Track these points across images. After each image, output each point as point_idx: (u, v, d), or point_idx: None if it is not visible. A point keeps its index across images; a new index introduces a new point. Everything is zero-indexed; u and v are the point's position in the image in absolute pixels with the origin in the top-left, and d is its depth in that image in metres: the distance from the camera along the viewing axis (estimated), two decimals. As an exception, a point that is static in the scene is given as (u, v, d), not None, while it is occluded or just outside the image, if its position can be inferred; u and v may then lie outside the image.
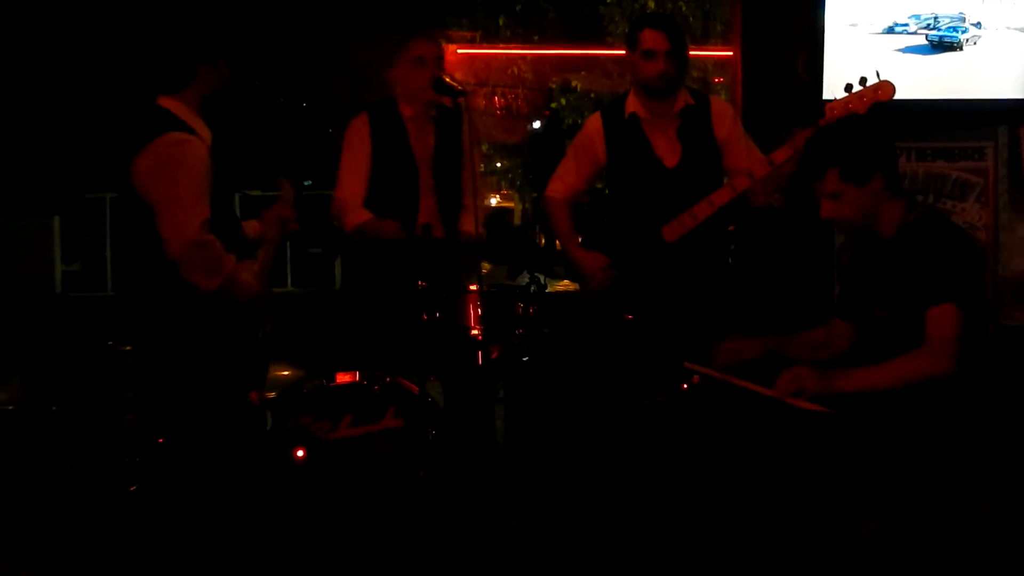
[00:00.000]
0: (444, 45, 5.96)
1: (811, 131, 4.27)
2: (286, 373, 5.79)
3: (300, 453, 4.08)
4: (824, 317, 4.12)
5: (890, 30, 5.76)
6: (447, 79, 4.52)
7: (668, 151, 4.86)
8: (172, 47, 3.94)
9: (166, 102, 3.88)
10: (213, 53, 3.95)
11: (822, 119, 4.34)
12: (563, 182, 5.11)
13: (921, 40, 5.78)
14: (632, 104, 4.91)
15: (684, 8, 14.23)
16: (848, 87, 4.29)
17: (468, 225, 5.08)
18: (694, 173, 4.80)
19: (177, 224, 3.73)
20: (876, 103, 4.27)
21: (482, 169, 19.38)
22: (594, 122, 5.06)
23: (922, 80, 5.74)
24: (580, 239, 5.04)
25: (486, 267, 6.27)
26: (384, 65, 5.06)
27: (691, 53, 5.08)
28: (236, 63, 4.04)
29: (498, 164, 20.77)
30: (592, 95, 16.31)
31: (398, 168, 4.99)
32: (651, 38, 4.73)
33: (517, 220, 23.63)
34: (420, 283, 4.46)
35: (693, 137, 4.86)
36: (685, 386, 4.17)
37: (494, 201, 26.27)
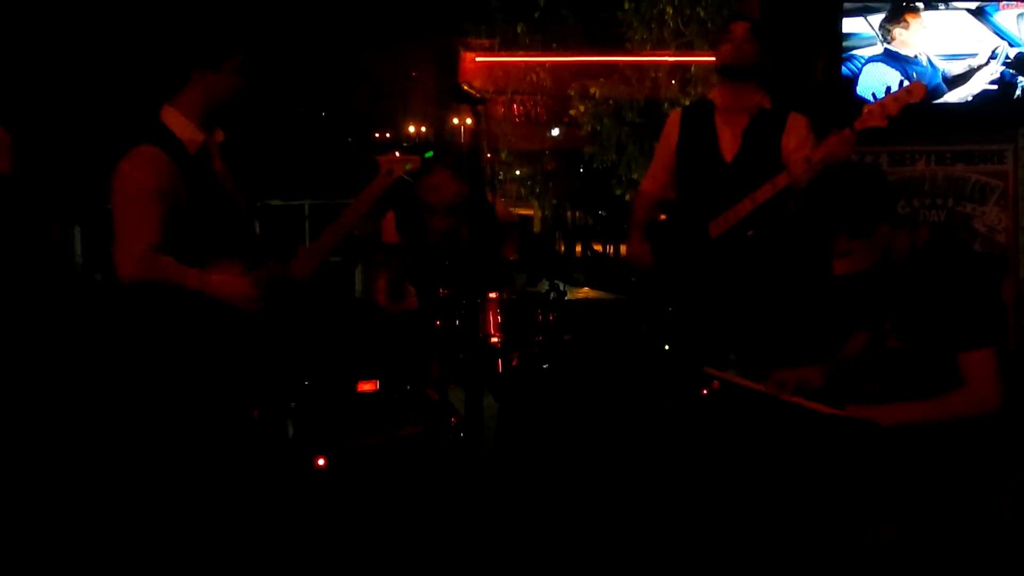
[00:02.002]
0: (462, 53, 5.93)
1: (847, 132, 4.48)
2: (307, 382, 5.80)
3: (321, 461, 4.09)
4: (837, 321, 4.15)
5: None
6: (465, 87, 4.52)
7: (730, 145, 5.02)
8: (166, 50, 3.87)
9: (165, 110, 3.82)
10: (212, 57, 3.83)
11: (857, 120, 4.48)
12: (650, 175, 5.42)
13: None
14: (713, 93, 5.16)
15: (703, 14, 14.22)
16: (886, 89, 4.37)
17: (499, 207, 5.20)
18: (751, 172, 4.88)
19: (121, 252, 3.67)
20: (908, 104, 4.35)
21: (501, 177, 19.49)
22: (676, 112, 5.36)
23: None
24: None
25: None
26: (403, 73, 5.09)
27: (709, 58, 5.24)
28: (255, 72, 3.98)
29: (517, 172, 20.77)
30: (611, 101, 16.29)
31: None
32: (734, 26, 5.04)
33: (537, 227, 23.66)
34: (442, 291, 4.47)
35: (757, 137, 4.98)
36: (705, 391, 4.18)
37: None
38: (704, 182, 5.05)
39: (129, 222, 3.68)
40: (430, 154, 4.51)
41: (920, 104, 4.43)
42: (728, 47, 4.97)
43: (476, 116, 4.38)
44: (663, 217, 5.42)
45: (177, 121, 3.81)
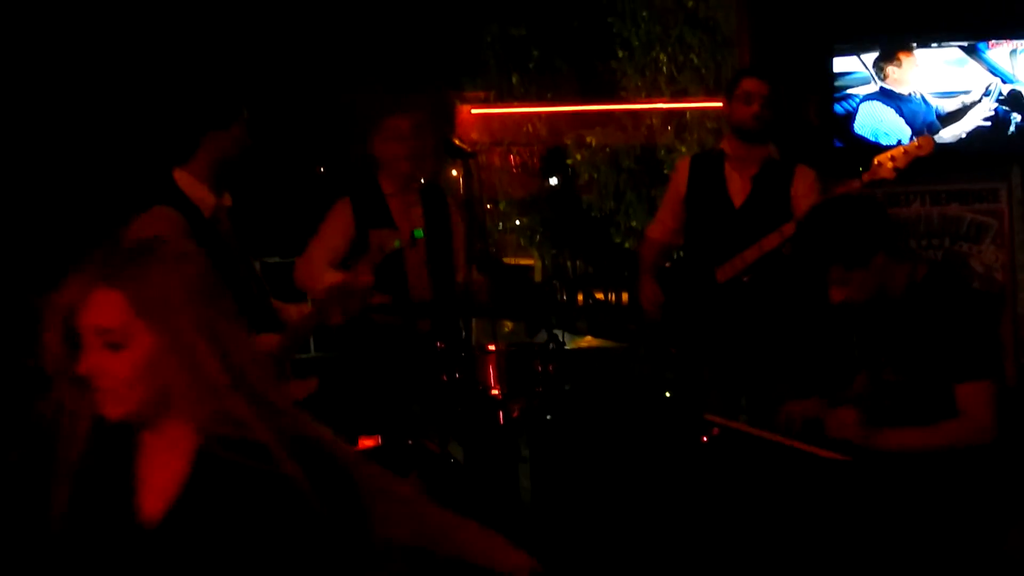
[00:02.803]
0: (457, 106, 5.90)
1: (855, 183, 4.60)
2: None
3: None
4: (839, 362, 4.16)
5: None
6: (456, 141, 4.53)
7: (739, 191, 5.09)
8: (176, 118, 3.82)
9: (178, 173, 3.79)
10: (222, 118, 3.82)
11: (866, 172, 4.58)
12: (658, 220, 5.50)
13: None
14: (724, 144, 5.23)
15: (696, 60, 14.26)
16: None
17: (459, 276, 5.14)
18: (759, 218, 4.96)
19: None
20: (917, 158, 4.41)
21: (500, 227, 19.48)
22: (684, 159, 5.51)
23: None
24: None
25: (508, 326, 6.26)
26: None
27: (704, 104, 5.33)
28: (254, 127, 3.94)
29: (517, 222, 20.78)
30: (607, 149, 16.32)
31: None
32: (750, 84, 5.05)
33: (538, 277, 23.67)
34: (439, 344, 4.47)
35: (766, 184, 5.06)
36: (705, 438, 4.17)
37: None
38: (713, 228, 5.11)
39: None
40: (420, 233, 4.48)
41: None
42: (749, 112, 5.01)
43: (467, 169, 4.39)
44: (667, 265, 5.45)
45: (191, 184, 3.79)
